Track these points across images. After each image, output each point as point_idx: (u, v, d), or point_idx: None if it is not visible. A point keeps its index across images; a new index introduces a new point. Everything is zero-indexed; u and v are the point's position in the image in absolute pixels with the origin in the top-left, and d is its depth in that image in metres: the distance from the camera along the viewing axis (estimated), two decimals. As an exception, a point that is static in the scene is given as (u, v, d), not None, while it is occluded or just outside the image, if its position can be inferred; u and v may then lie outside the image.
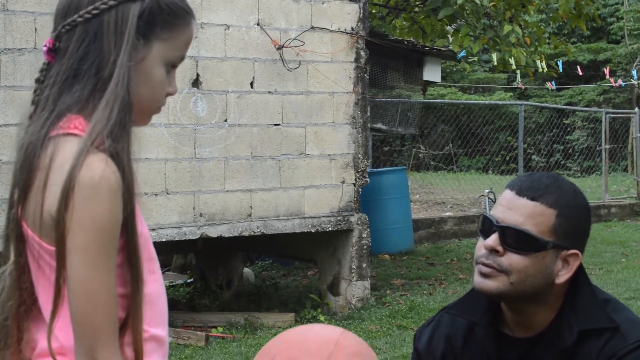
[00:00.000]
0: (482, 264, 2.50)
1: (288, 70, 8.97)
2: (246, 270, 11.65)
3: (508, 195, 2.52)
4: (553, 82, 23.80)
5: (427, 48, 15.41)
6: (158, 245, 2.23)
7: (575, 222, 2.52)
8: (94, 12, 2.10)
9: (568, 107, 25.10)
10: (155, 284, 2.20)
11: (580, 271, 2.55)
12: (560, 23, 21.97)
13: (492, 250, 2.48)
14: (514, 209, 2.48)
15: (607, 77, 22.90)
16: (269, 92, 8.89)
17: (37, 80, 2.16)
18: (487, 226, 2.52)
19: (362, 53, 9.48)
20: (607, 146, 19.33)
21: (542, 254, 2.47)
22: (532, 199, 2.48)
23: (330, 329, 2.22)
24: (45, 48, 2.14)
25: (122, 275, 2.09)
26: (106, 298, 2.01)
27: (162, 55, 2.16)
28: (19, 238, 2.12)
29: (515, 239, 2.47)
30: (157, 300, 2.21)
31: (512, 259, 2.46)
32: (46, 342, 2.09)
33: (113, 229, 2.02)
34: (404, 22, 16.08)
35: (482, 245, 2.51)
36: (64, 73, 2.10)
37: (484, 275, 2.49)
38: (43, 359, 2.13)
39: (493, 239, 2.48)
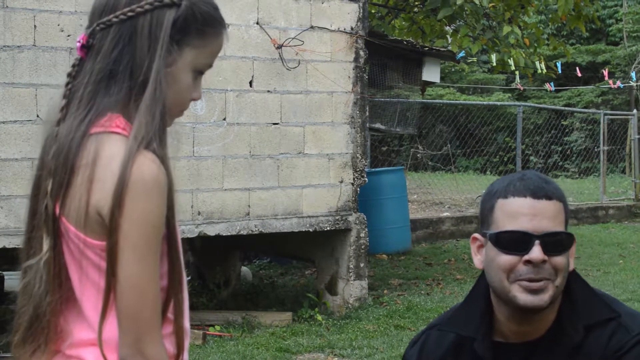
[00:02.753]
0: (530, 280, 2.42)
1: (287, 69, 8.97)
2: (244, 269, 11.66)
3: (525, 202, 2.45)
4: (552, 84, 23.81)
5: (426, 48, 15.40)
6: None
7: (568, 209, 2.53)
8: (130, 14, 2.15)
9: (566, 108, 25.11)
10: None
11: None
12: (559, 24, 21.97)
13: (540, 262, 2.42)
14: (540, 214, 2.44)
15: (606, 78, 22.91)
16: (268, 91, 8.89)
17: (69, 75, 2.20)
18: (521, 240, 2.43)
19: (361, 53, 9.48)
20: (605, 148, 19.34)
21: (571, 247, 2.49)
22: (549, 198, 2.45)
23: None
24: (78, 44, 2.19)
25: (160, 268, 2.16)
26: (154, 292, 2.09)
27: (191, 61, 2.23)
28: (55, 234, 2.16)
29: (556, 243, 2.44)
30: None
31: (555, 263, 2.43)
32: (83, 334, 2.17)
33: (161, 226, 2.10)
34: (403, 22, 16.10)
35: (521, 261, 2.43)
36: (99, 73, 2.16)
37: (535, 291, 2.43)
38: (78, 349, 2.19)
39: (539, 251, 2.41)
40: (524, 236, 2.43)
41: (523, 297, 2.43)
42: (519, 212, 2.45)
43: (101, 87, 2.15)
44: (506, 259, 2.44)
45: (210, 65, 2.29)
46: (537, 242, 2.42)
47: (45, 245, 2.16)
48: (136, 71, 2.14)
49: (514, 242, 2.44)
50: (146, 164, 2.07)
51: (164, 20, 2.16)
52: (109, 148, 2.10)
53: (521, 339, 2.53)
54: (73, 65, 2.21)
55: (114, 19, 2.15)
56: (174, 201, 2.16)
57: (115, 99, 2.14)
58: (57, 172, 2.14)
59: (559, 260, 2.44)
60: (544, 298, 2.42)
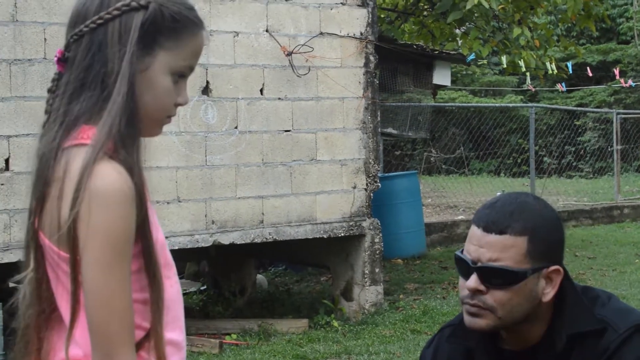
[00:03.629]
0: (467, 304, 2.51)
1: (298, 76, 8.98)
2: (259, 276, 11.65)
3: (477, 233, 2.51)
4: (563, 84, 23.76)
5: (437, 52, 15.40)
6: (170, 253, 2.26)
7: (548, 240, 2.53)
8: (99, 21, 2.13)
9: (579, 108, 25.05)
10: (170, 289, 2.22)
11: (564, 280, 2.56)
12: (569, 24, 21.92)
13: (476, 291, 2.49)
14: (485, 246, 2.48)
15: (618, 77, 22.85)
16: (279, 99, 8.90)
17: (49, 90, 2.20)
18: (464, 267, 2.52)
19: (372, 58, 9.47)
20: (619, 147, 19.29)
21: (524, 283, 2.48)
22: (500, 232, 2.47)
23: None
24: (55, 58, 2.18)
25: (139, 281, 2.12)
26: (121, 305, 2.04)
27: (167, 64, 2.17)
28: (37, 248, 2.16)
29: (495, 277, 2.47)
30: (172, 305, 2.23)
31: (495, 296, 2.48)
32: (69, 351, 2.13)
33: (126, 236, 2.04)
34: (413, 26, 16.08)
35: (464, 286, 2.52)
36: (73, 83, 2.14)
37: (472, 314, 2.51)
38: None
39: (473, 280, 2.49)
40: (465, 263, 2.51)
41: (466, 318, 2.54)
42: (470, 241, 2.53)
43: (74, 97, 2.13)
44: (461, 280, 2.55)
45: (191, 68, 2.23)
46: (474, 272, 2.49)
47: (32, 261, 2.17)
48: (108, 78, 2.11)
49: (460, 268, 2.55)
50: (106, 173, 2.03)
51: (132, 24, 2.12)
52: (78, 161, 2.06)
53: (520, 347, 2.60)
54: (53, 80, 2.20)
55: (85, 29, 2.13)
56: (145, 212, 2.11)
57: (85, 107, 2.12)
58: (35, 187, 2.15)
59: (499, 294, 2.48)
60: (482, 323, 2.51)
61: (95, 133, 2.08)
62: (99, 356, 2.04)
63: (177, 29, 2.18)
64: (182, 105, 2.25)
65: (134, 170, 2.08)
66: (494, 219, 2.49)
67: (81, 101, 2.12)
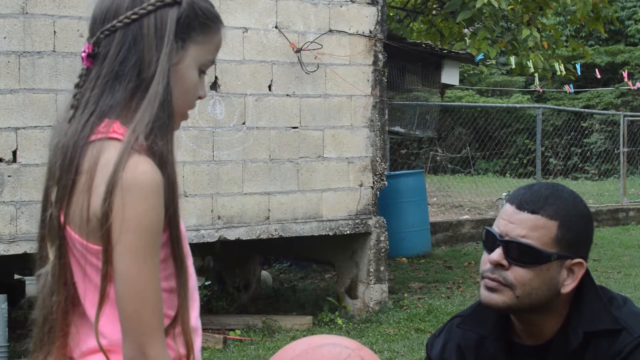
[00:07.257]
0: (487, 278, 2.53)
1: (306, 73, 8.98)
2: (264, 273, 11.66)
3: (509, 209, 2.54)
4: (571, 85, 23.72)
5: (445, 51, 15.38)
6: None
7: (578, 231, 2.54)
8: (133, 17, 2.18)
9: (586, 110, 25.00)
10: (190, 279, 2.27)
11: (585, 276, 2.57)
12: (578, 26, 21.89)
13: (497, 265, 2.51)
14: (515, 222, 2.51)
15: (625, 79, 22.79)
16: (287, 95, 8.90)
17: (77, 85, 2.23)
18: (491, 240, 2.55)
19: (380, 56, 9.47)
20: (625, 149, 19.25)
21: (547, 266, 2.50)
22: (533, 212, 2.50)
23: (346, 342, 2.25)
24: (84, 54, 2.22)
25: (165, 270, 2.18)
26: (153, 294, 2.09)
27: (196, 58, 2.25)
28: (61, 241, 2.19)
29: (519, 253, 2.49)
30: (193, 293, 2.29)
31: (517, 273, 2.49)
32: (91, 342, 2.18)
33: (157, 227, 2.10)
34: (422, 25, 16.08)
35: (487, 260, 2.54)
36: (105, 76, 2.18)
37: (490, 289, 2.52)
38: (89, 356, 2.21)
39: (497, 254, 2.51)
40: (492, 237, 2.54)
41: (482, 292, 2.56)
42: (501, 216, 2.56)
43: (106, 88, 2.17)
44: (484, 254, 2.58)
45: (212, 62, 2.32)
46: (499, 244, 2.52)
47: (51, 254, 2.20)
48: (144, 70, 2.16)
49: (487, 241, 2.58)
50: (139, 165, 2.08)
51: (168, 19, 2.19)
52: (107, 153, 2.11)
53: (533, 342, 2.61)
54: (80, 76, 2.23)
55: (118, 24, 2.18)
56: (176, 202, 2.17)
57: (119, 98, 2.16)
58: (61, 180, 2.17)
59: (520, 272, 2.50)
60: (498, 300, 2.52)
61: (133, 123, 2.13)
62: (131, 344, 2.08)
63: (207, 24, 2.27)
64: (202, 99, 2.31)
65: (169, 161, 2.14)
66: (528, 198, 2.52)
67: (115, 92, 2.17)
